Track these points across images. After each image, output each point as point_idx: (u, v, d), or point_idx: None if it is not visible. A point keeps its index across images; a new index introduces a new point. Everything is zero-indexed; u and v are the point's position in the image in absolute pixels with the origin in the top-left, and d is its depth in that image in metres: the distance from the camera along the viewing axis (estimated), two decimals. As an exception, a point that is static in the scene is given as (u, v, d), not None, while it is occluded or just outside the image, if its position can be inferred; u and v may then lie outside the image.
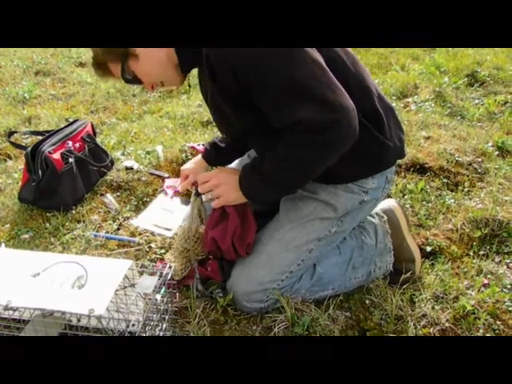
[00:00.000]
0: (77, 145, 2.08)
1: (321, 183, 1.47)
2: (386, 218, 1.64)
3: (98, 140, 2.37)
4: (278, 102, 1.23)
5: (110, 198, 2.02)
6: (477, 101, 2.88)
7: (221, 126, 1.59)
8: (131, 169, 2.21)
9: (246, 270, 1.47)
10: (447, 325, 1.45)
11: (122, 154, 2.36)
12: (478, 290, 1.56)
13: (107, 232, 1.84)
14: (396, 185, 2.04)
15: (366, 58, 3.78)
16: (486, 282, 1.61)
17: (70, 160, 2.00)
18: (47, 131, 2.19)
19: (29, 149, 1.97)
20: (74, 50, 4.49)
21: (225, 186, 1.43)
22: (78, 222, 1.91)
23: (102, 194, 2.07)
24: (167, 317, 1.38)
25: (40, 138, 2.06)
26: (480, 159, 2.23)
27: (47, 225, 1.88)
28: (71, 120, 2.26)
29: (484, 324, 1.45)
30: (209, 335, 1.40)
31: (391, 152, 1.46)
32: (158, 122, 2.81)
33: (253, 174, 1.37)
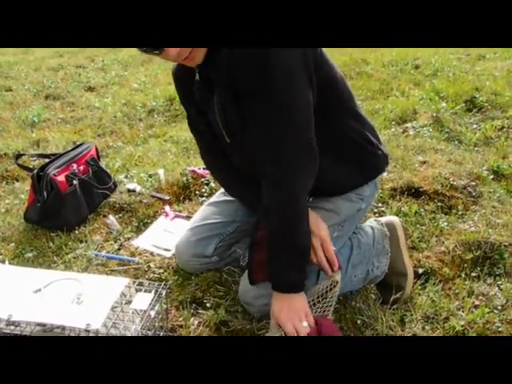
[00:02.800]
0: (81, 167, 2.15)
1: (326, 196, 1.56)
2: (384, 223, 1.70)
3: (103, 163, 2.45)
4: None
5: (112, 219, 2.08)
6: (474, 126, 2.93)
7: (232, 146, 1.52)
8: (133, 191, 2.27)
9: None
10: (437, 345, 1.49)
11: (126, 177, 2.43)
12: (469, 311, 1.58)
13: (108, 252, 1.90)
14: (391, 208, 2.09)
15: (368, 84, 3.85)
16: (476, 303, 1.64)
17: (74, 182, 2.07)
18: (54, 154, 2.27)
19: (35, 171, 2.04)
20: (83, 74, 4.62)
21: (285, 312, 1.39)
22: (81, 241, 1.97)
23: (104, 216, 2.13)
24: (162, 333, 1.42)
25: (47, 160, 2.14)
26: (474, 183, 2.27)
27: (51, 244, 1.94)
28: (78, 143, 2.34)
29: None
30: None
31: (380, 160, 1.59)
32: (162, 145, 2.88)
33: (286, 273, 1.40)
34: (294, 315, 1.37)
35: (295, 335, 1.35)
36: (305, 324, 1.37)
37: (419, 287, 1.69)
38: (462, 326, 1.52)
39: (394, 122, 3.01)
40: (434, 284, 1.70)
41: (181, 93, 1.61)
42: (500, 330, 1.52)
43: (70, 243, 1.96)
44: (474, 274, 1.76)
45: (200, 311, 1.60)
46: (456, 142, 2.73)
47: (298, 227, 1.38)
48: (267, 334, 1.43)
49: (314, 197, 1.53)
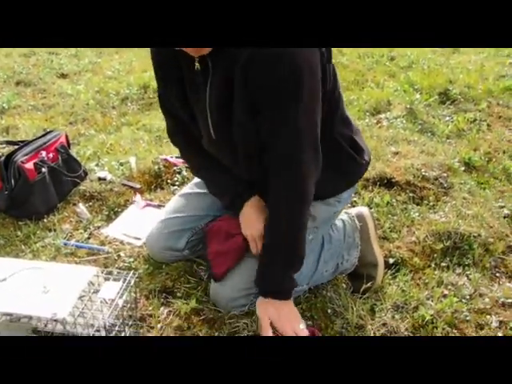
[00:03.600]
0: (50, 155, 2.11)
1: None
2: (355, 215, 1.71)
3: (74, 151, 2.40)
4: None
5: (82, 207, 2.04)
6: (447, 118, 2.95)
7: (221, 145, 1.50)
8: (104, 179, 2.24)
9: (229, 278, 1.51)
10: (406, 333, 1.50)
11: (97, 165, 2.39)
12: (438, 300, 1.60)
13: (78, 241, 1.87)
14: (363, 198, 2.10)
15: (343, 74, 3.84)
16: (445, 292, 1.66)
17: (43, 170, 2.03)
18: (22, 141, 2.21)
19: (2, 158, 2.00)
20: (55, 60, 4.51)
21: (280, 317, 1.39)
22: (50, 230, 1.94)
23: (74, 204, 2.10)
24: (131, 322, 1.41)
25: (15, 147, 2.09)
26: (446, 174, 2.29)
27: (18, 233, 1.91)
28: (48, 130, 2.29)
29: (442, 333, 1.50)
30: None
31: (363, 167, 1.62)
32: (135, 134, 2.84)
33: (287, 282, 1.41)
34: (293, 319, 1.39)
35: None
36: (302, 326, 1.38)
37: (390, 277, 1.70)
38: (431, 315, 1.54)
39: (368, 113, 3.02)
40: (405, 274, 1.72)
41: (161, 77, 1.54)
42: (468, 319, 1.55)
43: (38, 232, 1.92)
44: (443, 264, 1.78)
45: (170, 300, 1.58)
46: (429, 134, 2.75)
47: (303, 232, 1.39)
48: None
49: None
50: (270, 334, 1.37)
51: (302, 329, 1.38)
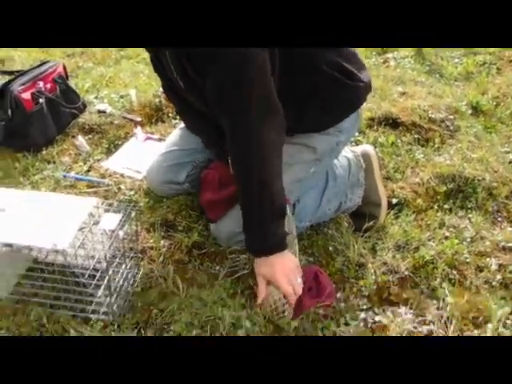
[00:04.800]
0: (48, 85, 2.05)
1: (299, 133, 1.50)
2: (360, 154, 1.68)
3: (73, 83, 2.34)
4: None
5: (81, 140, 2.01)
6: (456, 60, 2.88)
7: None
8: (104, 112, 2.19)
9: (230, 213, 1.49)
10: (406, 273, 1.50)
11: (96, 98, 2.33)
12: (439, 242, 1.60)
13: (77, 173, 1.84)
14: (368, 137, 2.06)
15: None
16: (447, 234, 1.66)
17: (41, 100, 1.98)
18: (18, 71, 2.15)
19: (-2, 87, 1.94)
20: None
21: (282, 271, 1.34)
22: (48, 162, 1.91)
23: (73, 136, 2.06)
24: (131, 254, 1.40)
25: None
26: (453, 117, 2.25)
27: (17, 165, 1.88)
28: (45, 61, 2.22)
29: (441, 274, 1.50)
30: (172, 274, 1.43)
31: (362, 90, 1.52)
32: (135, 67, 2.77)
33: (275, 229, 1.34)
34: (289, 273, 1.33)
35: (293, 295, 1.32)
36: (299, 280, 1.35)
37: (392, 217, 1.69)
38: (431, 256, 1.54)
39: (374, 52, 2.95)
40: (407, 214, 1.70)
41: None
42: (468, 260, 1.55)
43: (37, 164, 1.89)
44: (446, 207, 1.77)
45: (171, 234, 1.57)
46: (437, 75, 2.69)
47: (268, 180, 1.31)
48: (258, 301, 1.35)
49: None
50: (263, 295, 1.34)
51: (299, 282, 1.34)
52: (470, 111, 2.33)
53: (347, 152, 1.70)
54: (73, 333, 1.25)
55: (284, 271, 1.33)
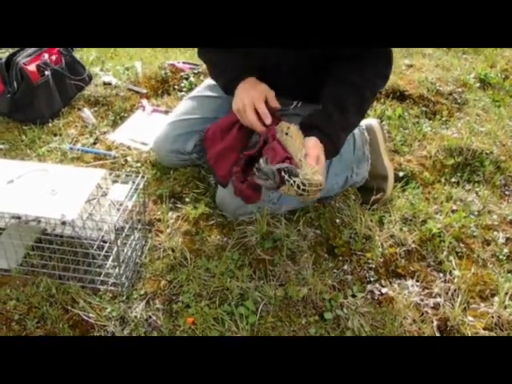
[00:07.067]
0: (53, 57, 2.02)
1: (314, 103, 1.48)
2: (365, 128, 1.67)
3: (77, 55, 2.31)
4: None
5: (87, 112, 2.00)
6: (465, 32, 2.84)
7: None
8: (109, 84, 2.17)
9: None
10: (413, 246, 1.51)
11: (101, 70, 2.31)
12: (446, 215, 1.60)
13: (83, 145, 1.83)
14: (375, 110, 2.04)
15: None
16: (454, 207, 1.66)
17: (46, 73, 1.96)
18: (22, 42, 2.12)
19: (3, 59, 1.91)
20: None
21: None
22: (55, 135, 1.90)
23: (79, 109, 2.04)
24: (139, 226, 1.40)
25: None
26: (461, 90, 2.23)
27: (23, 137, 1.87)
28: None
29: (448, 247, 1.50)
30: (180, 245, 1.43)
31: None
32: (140, 39, 2.73)
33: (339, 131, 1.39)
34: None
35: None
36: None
37: (399, 190, 1.69)
38: (438, 229, 1.54)
39: (382, 25, 2.90)
40: (414, 187, 1.70)
41: None
42: (475, 234, 1.55)
43: (43, 136, 1.88)
44: (453, 180, 1.77)
45: (179, 205, 1.57)
46: (445, 48, 2.65)
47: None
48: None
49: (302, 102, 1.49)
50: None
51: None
52: (478, 84, 2.31)
53: None
54: (82, 303, 1.26)
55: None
